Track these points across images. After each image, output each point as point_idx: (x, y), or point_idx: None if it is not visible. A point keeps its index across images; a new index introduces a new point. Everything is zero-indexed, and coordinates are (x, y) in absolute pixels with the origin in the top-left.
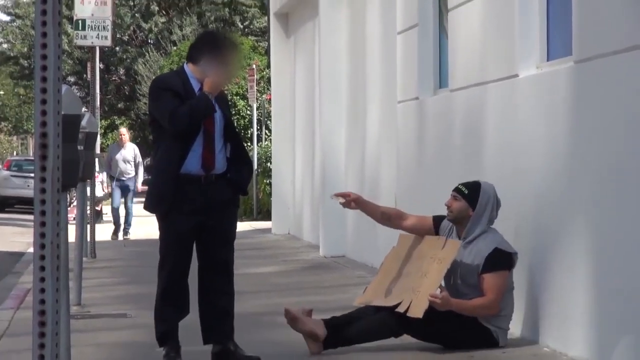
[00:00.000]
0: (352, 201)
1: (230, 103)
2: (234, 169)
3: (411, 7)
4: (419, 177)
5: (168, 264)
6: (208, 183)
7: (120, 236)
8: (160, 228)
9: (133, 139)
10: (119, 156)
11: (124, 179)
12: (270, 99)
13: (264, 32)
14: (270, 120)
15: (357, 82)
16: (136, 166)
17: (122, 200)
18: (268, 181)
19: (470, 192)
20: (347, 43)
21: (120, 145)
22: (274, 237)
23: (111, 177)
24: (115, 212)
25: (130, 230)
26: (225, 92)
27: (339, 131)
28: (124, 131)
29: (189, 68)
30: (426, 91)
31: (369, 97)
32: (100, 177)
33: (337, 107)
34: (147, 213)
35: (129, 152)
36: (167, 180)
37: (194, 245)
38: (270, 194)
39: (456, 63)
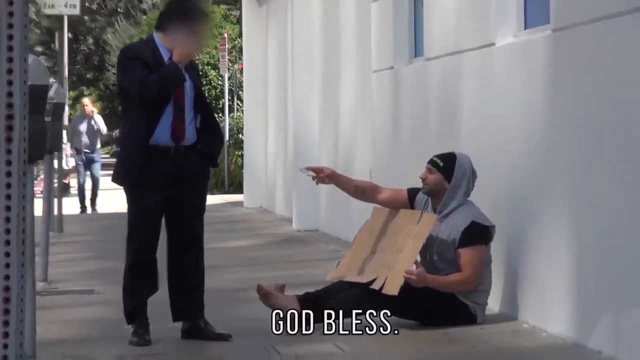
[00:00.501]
0: (325, 176)
1: (201, 73)
2: (204, 140)
3: None
4: (395, 148)
5: (136, 238)
6: (177, 154)
7: (89, 209)
8: (129, 201)
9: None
10: (82, 127)
11: (88, 151)
12: (242, 69)
13: (236, 1)
14: (242, 90)
15: (331, 51)
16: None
17: (88, 173)
18: (240, 153)
19: (446, 164)
20: (320, 11)
21: (84, 116)
22: (245, 210)
23: (76, 150)
24: (80, 188)
25: (97, 201)
26: (196, 61)
27: (312, 102)
28: (86, 101)
29: (158, 37)
30: (401, 60)
31: (343, 67)
32: (68, 150)
33: (310, 77)
34: (116, 186)
35: (93, 124)
36: (135, 152)
37: (163, 219)
38: (241, 166)
39: (432, 31)
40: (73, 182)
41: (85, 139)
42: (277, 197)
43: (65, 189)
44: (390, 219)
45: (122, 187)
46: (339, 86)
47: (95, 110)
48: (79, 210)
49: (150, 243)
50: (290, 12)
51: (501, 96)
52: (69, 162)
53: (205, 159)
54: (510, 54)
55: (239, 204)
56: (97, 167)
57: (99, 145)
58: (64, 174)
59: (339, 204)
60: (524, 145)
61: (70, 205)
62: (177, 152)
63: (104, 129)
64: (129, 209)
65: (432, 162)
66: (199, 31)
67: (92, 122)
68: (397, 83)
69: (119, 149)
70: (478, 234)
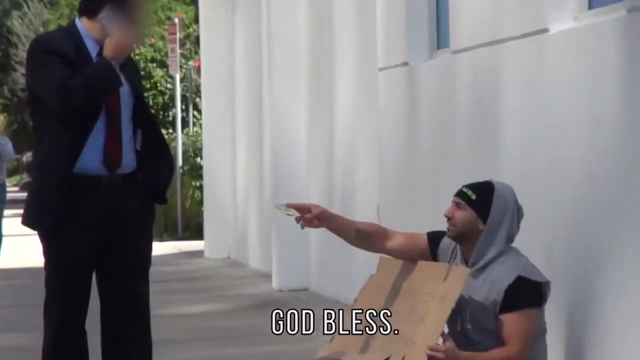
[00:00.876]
0: (314, 218)
1: (142, 73)
2: (148, 167)
3: None
4: (409, 175)
5: (58, 302)
6: (112, 186)
7: None
8: (46, 251)
9: (7, 126)
10: None
11: None
12: (199, 67)
13: None
14: (199, 97)
15: (322, 43)
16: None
17: None
18: (198, 184)
19: (480, 198)
20: None
21: None
22: (208, 262)
23: None
24: None
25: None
26: (136, 57)
27: (296, 113)
28: None
29: (82, 24)
30: (419, 54)
31: (338, 63)
32: None
33: (293, 79)
34: (27, 230)
35: None
36: (53, 183)
37: (93, 274)
38: (201, 202)
39: (460, 15)
40: None
41: None
42: (250, 245)
43: None
44: (405, 275)
45: (36, 232)
46: (332, 90)
47: None
48: None
49: (77, 309)
50: None
51: (557, 100)
52: None
53: (149, 193)
54: (569, 42)
55: (199, 254)
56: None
57: (3, 176)
58: None
59: (336, 254)
60: (589, 168)
61: None
62: (112, 182)
63: (10, 153)
64: (46, 262)
65: (461, 194)
66: (140, 15)
67: None
68: (413, 84)
69: (30, 179)
70: (527, 293)
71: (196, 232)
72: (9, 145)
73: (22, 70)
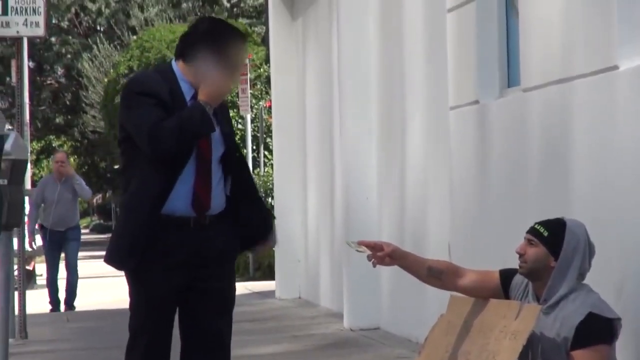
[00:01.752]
0: (386, 256)
1: None
2: (243, 208)
3: None
4: (481, 213)
5: (142, 341)
6: (199, 227)
7: (62, 306)
8: (131, 291)
9: (77, 168)
10: (53, 195)
11: (62, 229)
12: (270, 107)
13: (261, 13)
14: (270, 137)
15: (393, 81)
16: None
17: (64, 259)
18: None
19: (552, 235)
20: (377, 27)
21: (56, 178)
22: (279, 303)
23: (41, 227)
24: (52, 283)
25: (74, 301)
26: (227, 102)
27: (367, 152)
28: (61, 157)
29: (179, 67)
30: (489, 92)
31: (409, 102)
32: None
33: (364, 118)
34: (98, 272)
35: (69, 188)
36: (139, 224)
37: (177, 314)
38: None
39: (530, 53)
40: (39, 268)
41: (58, 211)
42: (321, 285)
43: (29, 279)
44: (476, 313)
45: (109, 274)
46: (403, 129)
47: (71, 169)
48: (50, 307)
49: (161, 348)
50: (335, 28)
51: (628, 138)
52: (33, 241)
53: (236, 235)
54: (639, 79)
55: (270, 294)
56: (74, 249)
57: (77, 219)
58: (27, 257)
59: (408, 292)
60: None
61: (36, 301)
62: (199, 224)
63: (87, 193)
64: (131, 301)
65: (533, 231)
66: (236, 62)
67: (68, 186)
68: (484, 122)
69: (118, 216)
70: (598, 329)
71: (267, 273)
72: (83, 184)
73: (93, 112)
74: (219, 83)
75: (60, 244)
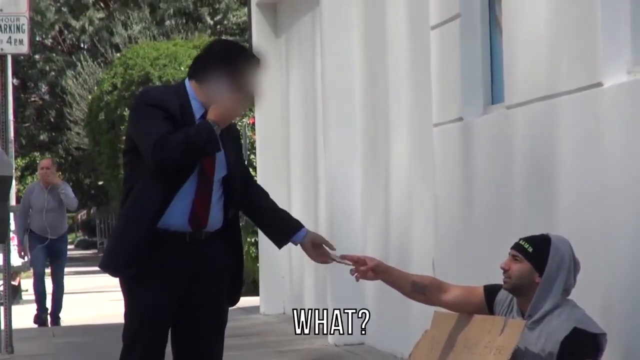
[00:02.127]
0: (369, 270)
1: None
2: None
3: None
4: (465, 228)
5: (136, 353)
6: (195, 242)
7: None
8: (126, 301)
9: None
10: (40, 202)
11: (51, 237)
12: (253, 124)
13: (244, 31)
14: (254, 154)
15: (376, 98)
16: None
17: (49, 268)
18: (253, 240)
19: (536, 251)
20: (360, 44)
21: (43, 185)
22: (263, 318)
23: (31, 233)
24: (39, 287)
25: (60, 314)
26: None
27: (351, 168)
28: (46, 163)
29: (191, 85)
30: (473, 109)
31: (392, 118)
32: (17, 240)
33: (348, 134)
34: (83, 287)
35: (56, 197)
36: (135, 236)
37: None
38: (256, 258)
39: (514, 69)
40: (25, 283)
41: (46, 219)
42: (306, 300)
43: (15, 294)
44: (461, 328)
45: (106, 286)
46: (388, 145)
47: (57, 177)
48: (34, 320)
49: (155, 357)
50: (318, 45)
51: (613, 154)
52: (23, 250)
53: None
54: (623, 96)
55: (254, 309)
56: (60, 262)
57: (65, 228)
58: (12, 272)
59: (392, 308)
60: None
61: (22, 316)
62: (195, 239)
63: (72, 203)
64: (126, 311)
65: (517, 246)
66: (248, 84)
67: (55, 195)
68: (468, 139)
69: (116, 225)
70: (583, 344)
71: (251, 288)
72: (69, 193)
73: (77, 129)
74: (230, 104)
75: (48, 249)
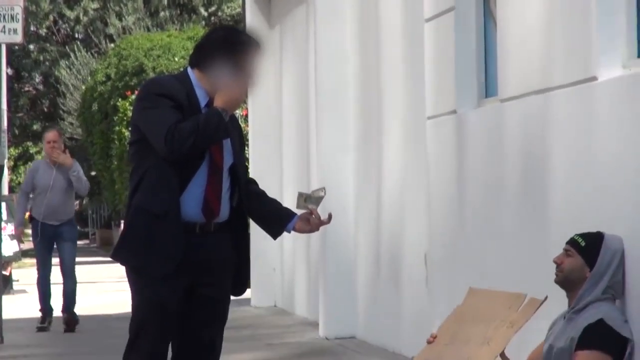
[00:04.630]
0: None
1: None
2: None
3: None
4: (459, 222)
5: (142, 343)
6: (204, 233)
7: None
8: (134, 292)
9: None
10: (46, 180)
11: (55, 223)
12: (246, 116)
13: (238, 22)
14: (247, 145)
15: (370, 90)
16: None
17: (59, 263)
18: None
19: (589, 245)
20: (354, 36)
21: (49, 162)
22: (254, 311)
23: (32, 218)
24: (43, 282)
25: (74, 307)
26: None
27: (344, 161)
28: (53, 136)
29: (194, 74)
30: (467, 102)
31: (386, 111)
32: (9, 229)
33: (341, 127)
34: (86, 279)
35: (65, 176)
36: (149, 224)
37: None
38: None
39: (508, 62)
40: (16, 273)
41: (50, 201)
42: (297, 293)
43: (6, 283)
44: (486, 304)
45: (101, 278)
46: (381, 138)
47: (67, 156)
48: (39, 322)
49: (160, 350)
50: (312, 37)
51: (607, 148)
52: (22, 233)
53: (236, 243)
54: (618, 91)
55: (245, 302)
56: (69, 251)
57: (72, 213)
58: (3, 262)
59: (384, 301)
60: (638, 218)
61: (13, 305)
62: (205, 230)
63: (84, 188)
64: (133, 302)
65: (571, 241)
66: (251, 68)
67: (64, 173)
68: (461, 132)
69: (128, 215)
70: (604, 337)
71: None
72: (82, 175)
73: (70, 119)
74: (235, 90)
75: (53, 240)
